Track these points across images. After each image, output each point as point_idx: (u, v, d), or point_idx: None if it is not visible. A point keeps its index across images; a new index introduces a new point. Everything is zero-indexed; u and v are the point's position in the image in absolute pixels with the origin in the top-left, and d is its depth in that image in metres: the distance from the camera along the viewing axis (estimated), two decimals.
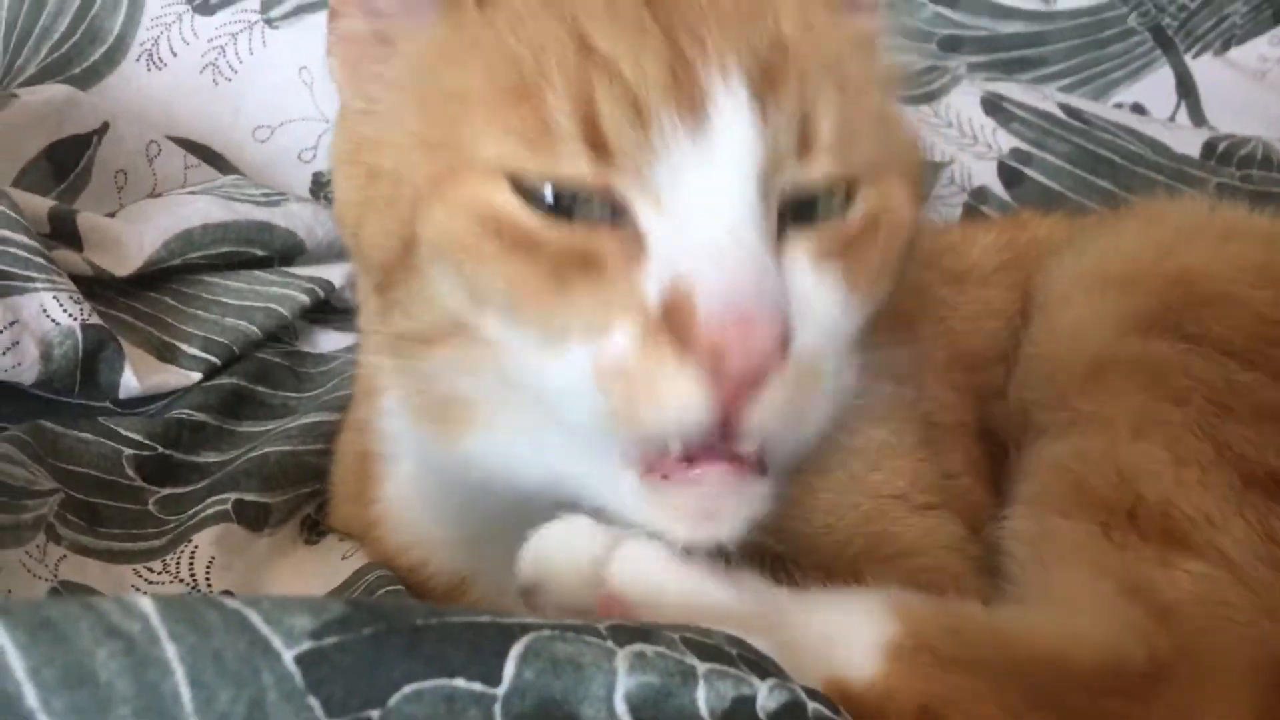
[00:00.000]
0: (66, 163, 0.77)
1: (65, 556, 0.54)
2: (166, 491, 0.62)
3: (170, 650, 0.29)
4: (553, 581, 0.42)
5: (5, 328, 0.55)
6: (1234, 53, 1.11)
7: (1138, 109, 1.10)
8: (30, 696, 0.27)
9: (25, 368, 0.56)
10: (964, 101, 0.99)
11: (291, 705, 0.29)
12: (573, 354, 0.39)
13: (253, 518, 0.61)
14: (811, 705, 0.37)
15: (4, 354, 0.55)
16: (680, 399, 0.37)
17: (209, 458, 0.65)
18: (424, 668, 0.32)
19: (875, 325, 0.44)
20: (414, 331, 0.43)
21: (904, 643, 0.40)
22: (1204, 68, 1.10)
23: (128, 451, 0.61)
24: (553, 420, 0.40)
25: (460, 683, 0.32)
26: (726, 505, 0.40)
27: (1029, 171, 0.98)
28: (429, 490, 0.53)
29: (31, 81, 0.89)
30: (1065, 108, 1.01)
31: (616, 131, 0.39)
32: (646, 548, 0.41)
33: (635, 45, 0.40)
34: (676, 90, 0.40)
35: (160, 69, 0.93)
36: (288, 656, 0.30)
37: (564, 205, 0.39)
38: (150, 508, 0.62)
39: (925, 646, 0.40)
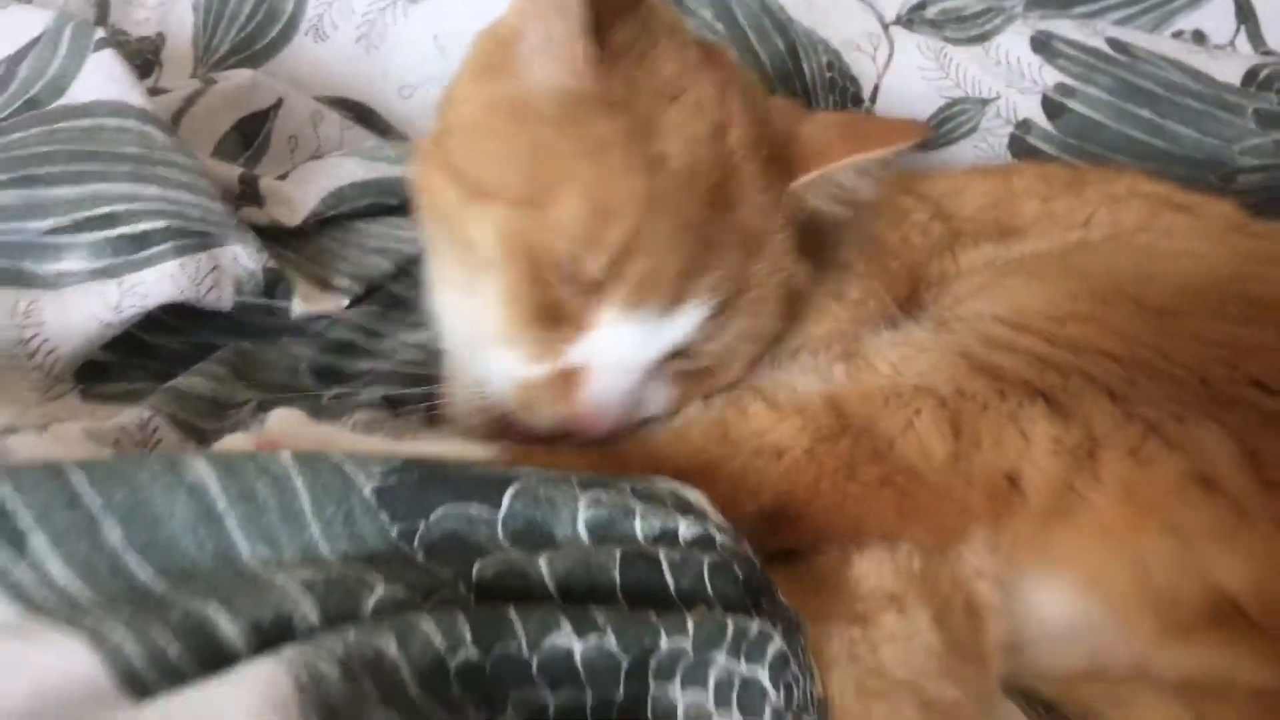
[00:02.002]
0: (251, 134, 0.99)
1: None
2: (335, 390, 0.84)
3: (300, 482, 0.49)
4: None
5: (210, 271, 0.77)
6: None
7: (1198, 35, 1.16)
8: (222, 506, 0.48)
9: (224, 299, 0.79)
10: (1013, 41, 1.09)
11: (368, 516, 0.50)
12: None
13: (394, 404, 0.83)
14: (719, 537, 0.55)
15: (210, 290, 0.77)
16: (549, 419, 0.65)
17: (361, 365, 0.86)
18: (452, 497, 0.51)
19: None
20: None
21: None
22: None
23: (303, 365, 0.83)
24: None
25: (474, 507, 0.51)
26: None
27: (1071, 104, 1.08)
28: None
29: (224, 58, 1.12)
30: (1113, 41, 1.09)
31: (632, 284, 0.62)
32: (291, 413, 0.61)
33: (676, 245, 0.62)
34: (676, 289, 0.63)
35: (324, 41, 1.14)
36: (367, 489, 0.50)
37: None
38: (324, 404, 0.84)
39: None
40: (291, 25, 1.13)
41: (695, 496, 0.56)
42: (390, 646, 0.44)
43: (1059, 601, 0.64)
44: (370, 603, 0.47)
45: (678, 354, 0.67)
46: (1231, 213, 0.82)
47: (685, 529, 0.54)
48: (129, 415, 0.64)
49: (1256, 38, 1.15)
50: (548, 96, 0.64)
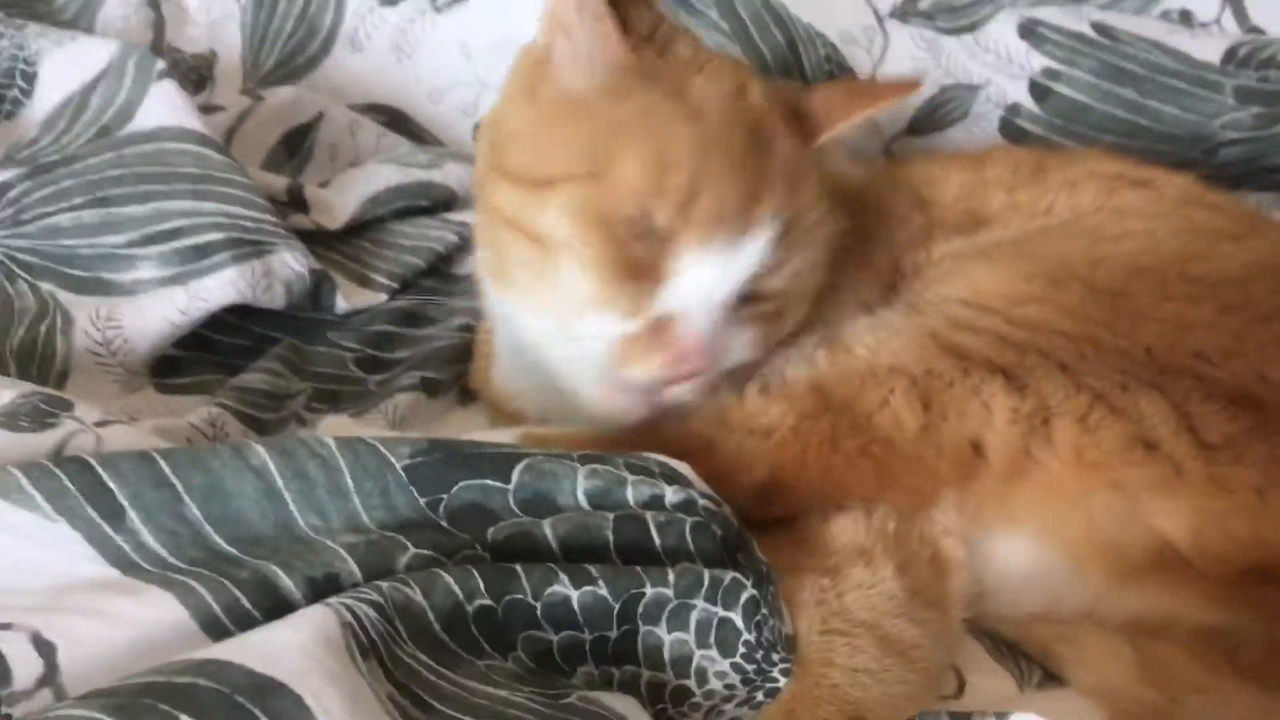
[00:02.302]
0: (295, 145, 1.09)
1: (313, 429, 0.86)
2: (378, 378, 0.94)
3: (342, 463, 0.59)
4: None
5: (263, 275, 0.87)
6: None
7: (1184, 15, 1.22)
8: (280, 484, 0.58)
9: (276, 299, 0.89)
10: (1002, 29, 1.15)
11: (401, 490, 0.59)
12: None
13: (429, 387, 0.93)
14: (701, 502, 0.64)
15: (265, 292, 0.88)
16: (652, 370, 0.71)
17: (400, 354, 0.96)
18: (470, 474, 0.61)
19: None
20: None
21: None
22: None
23: (349, 356, 0.93)
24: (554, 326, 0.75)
25: (489, 481, 0.61)
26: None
27: (1057, 87, 1.14)
28: (514, 363, 0.83)
29: (270, 72, 1.22)
30: (1097, 25, 1.15)
31: (700, 223, 0.70)
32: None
33: (735, 176, 0.71)
34: (742, 214, 0.71)
35: (360, 52, 1.23)
36: (399, 466, 0.60)
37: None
38: (371, 389, 0.94)
39: None
40: (330, 38, 1.23)
41: (682, 468, 0.65)
42: (417, 595, 0.54)
43: (1018, 554, 0.72)
44: (403, 561, 0.57)
45: (751, 298, 0.74)
46: (1188, 185, 0.89)
47: (671, 495, 0.63)
48: (198, 415, 0.74)
49: (1241, 15, 1.21)
50: (589, 86, 0.73)
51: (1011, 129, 1.15)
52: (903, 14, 1.17)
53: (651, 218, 0.70)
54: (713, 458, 0.70)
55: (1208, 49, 1.15)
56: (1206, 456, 0.68)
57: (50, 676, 0.50)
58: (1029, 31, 1.15)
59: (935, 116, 1.17)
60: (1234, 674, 0.69)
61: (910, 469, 0.71)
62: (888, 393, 0.71)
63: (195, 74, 1.21)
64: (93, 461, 0.56)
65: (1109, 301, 0.75)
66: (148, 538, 0.56)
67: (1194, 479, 0.67)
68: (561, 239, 0.71)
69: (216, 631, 0.52)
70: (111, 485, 0.56)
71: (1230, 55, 1.14)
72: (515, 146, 0.76)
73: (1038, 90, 1.15)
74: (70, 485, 0.55)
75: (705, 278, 0.71)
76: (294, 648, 0.48)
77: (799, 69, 1.16)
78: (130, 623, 0.52)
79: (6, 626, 0.51)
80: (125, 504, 0.56)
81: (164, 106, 0.91)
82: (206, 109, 1.06)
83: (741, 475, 0.70)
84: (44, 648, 0.51)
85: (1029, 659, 0.73)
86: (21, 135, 0.93)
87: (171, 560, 0.55)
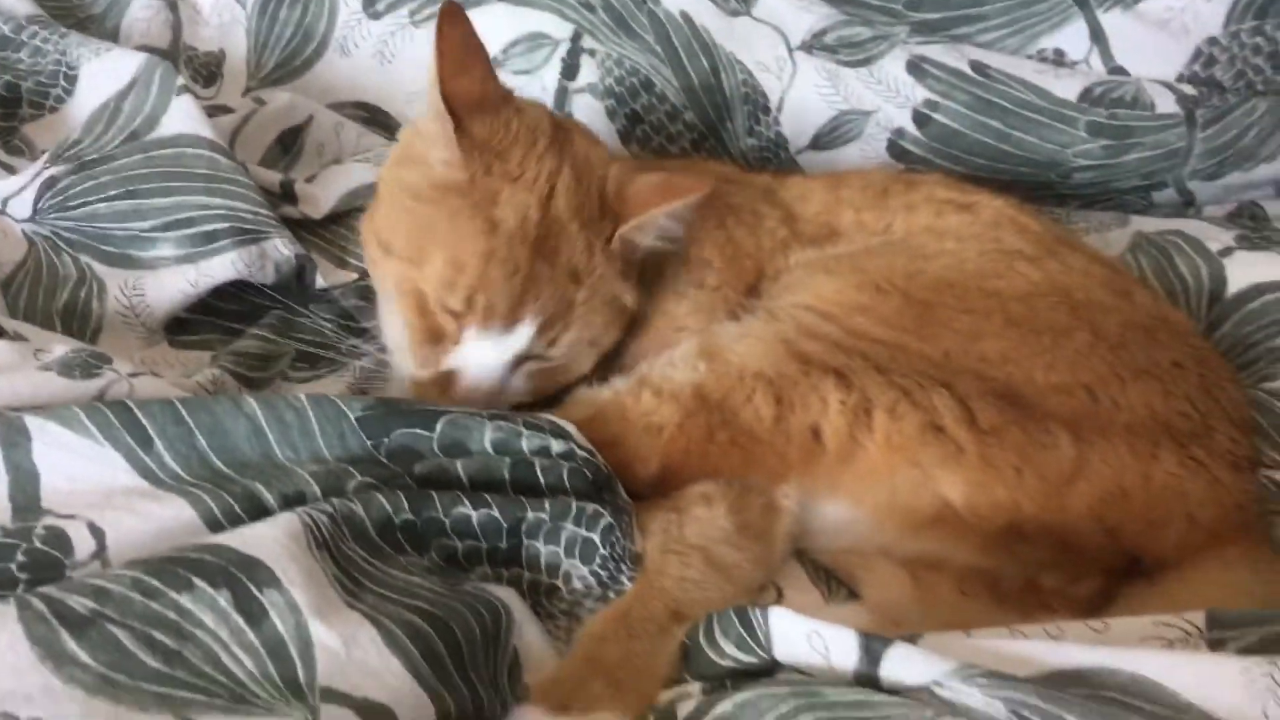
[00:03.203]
0: (289, 143, 1.30)
1: (294, 387, 1.06)
2: (349, 343, 1.14)
3: (311, 412, 0.81)
4: None
5: (258, 258, 1.08)
6: (1143, 5, 1.37)
7: (1058, 53, 1.41)
8: (265, 425, 0.80)
9: (268, 276, 1.10)
10: (892, 64, 1.34)
11: (353, 433, 0.81)
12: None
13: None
14: (579, 452, 0.86)
15: (260, 270, 1.09)
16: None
17: (369, 324, 1.17)
18: (405, 423, 0.82)
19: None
20: None
21: None
22: (1113, 19, 1.38)
23: (327, 325, 1.12)
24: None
25: (419, 430, 0.83)
26: None
27: (936, 116, 1.34)
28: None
29: (271, 72, 1.42)
30: (974, 64, 1.34)
31: (480, 313, 0.91)
32: None
33: (506, 285, 0.91)
34: (510, 313, 0.91)
35: (348, 56, 1.44)
36: (352, 416, 0.81)
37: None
38: (343, 351, 1.14)
39: None
40: (323, 44, 1.43)
41: (568, 426, 0.87)
42: (359, 509, 0.76)
43: (836, 511, 0.92)
44: (351, 485, 0.79)
45: (531, 357, 0.96)
46: (1005, 209, 1.07)
47: (556, 446, 0.85)
48: (203, 375, 0.96)
49: (1106, 55, 1.40)
50: (430, 182, 0.94)
51: (896, 149, 1.36)
52: (809, 48, 1.36)
53: (446, 302, 0.92)
54: (616, 453, 0.89)
55: (1068, 88, 1.34)
56: (980, 440, 0.86)
57: (100, 553, 0.72)
58: (915, 67, 1.35)
59: (832, 136, 1.37)
60: (991, 599, 0.91)
61: (768, 453, 0.90)
62: (750, 392, 0.90)
63: (206, 70, 1.42)
64: (130, 404, 0.79)
65: (919, 311, 0.95)
66: (169, 460, 0.78)
67: (970, 457, 0.86)
68: (391, 296, 0.96)
69: (215, 528, 0.74)
70: (144, 421, 0.78)
71: (1086, 94, 1.34)
72: (382, 208, 0.99)
73: (919, 118, 1.35)
74: (114, 420, 0.78)
75: (483, 350, 0.93)
76: (270, 538, 0.70)
77: (720, 91, 1.36)
78: (155, 519, 0.74)
79: (70, 516, 0.73)
80: (153, 435, 0.78)
81: (183, 116, 1.13)
82: (216, 110, 1.27)
83: (639, 467, 0.90)
84: (96, 533, 0.72)
85: (839, 581, 0.94)
86: (67, 135, 1.15)
87: (185, 477, 0.78)
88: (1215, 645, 0.72)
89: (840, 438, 0.89)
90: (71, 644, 0.62)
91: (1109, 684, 0.67)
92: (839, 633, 0.70)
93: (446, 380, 0.94)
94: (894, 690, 0.68)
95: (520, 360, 0.95)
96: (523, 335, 0.93)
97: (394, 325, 0.98)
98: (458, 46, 0.93)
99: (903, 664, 0.68)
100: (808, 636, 0.71)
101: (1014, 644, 0.71)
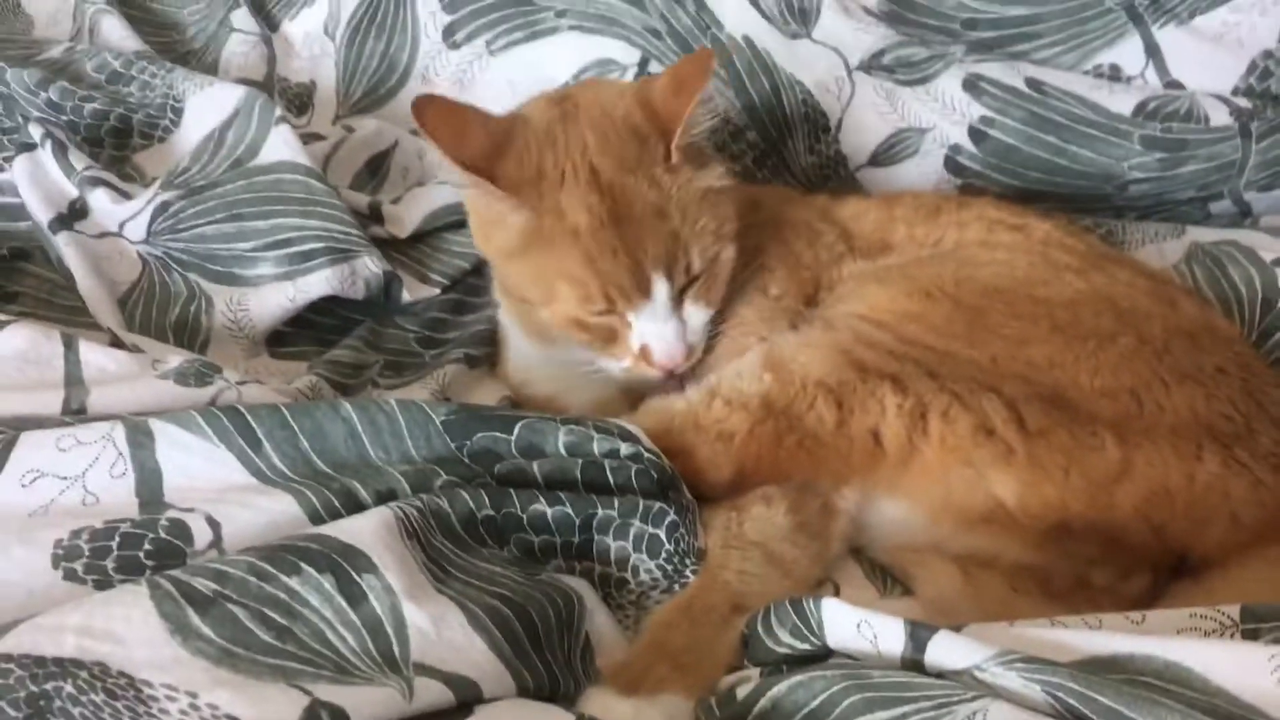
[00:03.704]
0: (376, 168, 1.39)
1: (382, 393, 1.16)
2: (432, 353, 1.23)
3: (400, 417, 0.88)
4: None
5: (350, 275, 1.17)
6: (1199, 20, 1.40)
7: (1114, 69, 1.44)
8: (360, 428, 0.88)
9: (358, 291, 1.19)
10: (949, 83, 1.38)
11: (438, 436, 0.88)
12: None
13: (470, 361, 1.21)
14: (646, 455, 0.92)
15: (351, 286, 1.18)
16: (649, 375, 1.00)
17: (450, 335, 1.25)
18: (485, 427, 0.89)
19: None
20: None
21: None
22: (1169, 34, 1.40)
23: (411, 336, 1.23)
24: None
25: (498, 434, 0.90)
26: None
27: (991, 132, 1.38)
28: (526, 356, 1.13)
29: (358, 100, 1.52)
30: (1030, 81, 1.38)
31: (620, 302, 0.99)
32: None
33: (619, 268, 0.97)
34: (639, 284, 0.98)
35: (430, 85, 1.52)
36: (438, 421, 0.89)
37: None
38: (427, 360, 1.23)
39: None
40: (406, 74, 1.52)
41: (635, 430, 0.93)
42: (445, 505, 0.83)
43: (893, 510, 0.97)
44: (438, 483, 0.86)
45: (682, 292, 1.00)
46: (1053, 230, 1.12)
47: (625, 449, 0.92)
48: (302, 382, 1.05)
49: (1162, 69, 1.43)
50: (516, 235, 1.00)
51: (953, 165, 1.40)
52: (868, 67, 1.42)
53: (595, 309, 1.00)
54: (691, 461, 0.95)
55: (1122, 103, 1.37)
56: (1029, 442, 0.90)
57: (216, 543, 0.80)
58: (971, 85, 1.39)
59: (890, 153, 1.42)
60: (1042, 596, 0.95)
61: (833, 456, 0.94)
62: (813, 399, 0.95)
63: (298, 100, 1.52)
64: (241, 409, 0.87)
65: (969, 317, 0.99)
66: (276, 460, 0.86)
67: (1020, 457, 0.90)
68: (555, 329, 1.03)
69: (317, 521, 0.82)
70: (254, 425, 0.86)
71: (1140, 108, 1.37)
72: (502, 269, 1.08)
73: (976, 134, 1.39)
74: (228, 424, 0.86)
75: (646, 322, 1.00)
76: (367, 530, 0.77)
77: (780, 109, 1.42)
78: (265, 512, 0.82)
79: (190, 510, 0.82)
80: (262, 438, 0.86)
81: (282, 145, 1.22)
82: (309, 137, 1.37)
83: (713, 473, 0.96)
84: (213, 524, 0.81)
85: (893, 578, 1.00)
86: (176, 163, 1.25)
87: (291, 475, 0.86)
88: (1249, 636, 0.76)
89: (899, 440, 0.93)
90: (196, 620, 0.69)
91: (1144, 670, 0.71)
92: (887, 621, 0.76)
93: (644, 360, 1.02)
94: (938, 674, 0.73)
95: (678, 302, 1.01)
96: (661, 288, 0.99)
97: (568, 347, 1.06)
98: (444, 123, 0.97)
99: (946, 650, 0.73)
100: (858, 625, 0.77)
101: (1054, 633, 0.75)
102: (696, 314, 1.03)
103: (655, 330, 1.00)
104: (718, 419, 0.96)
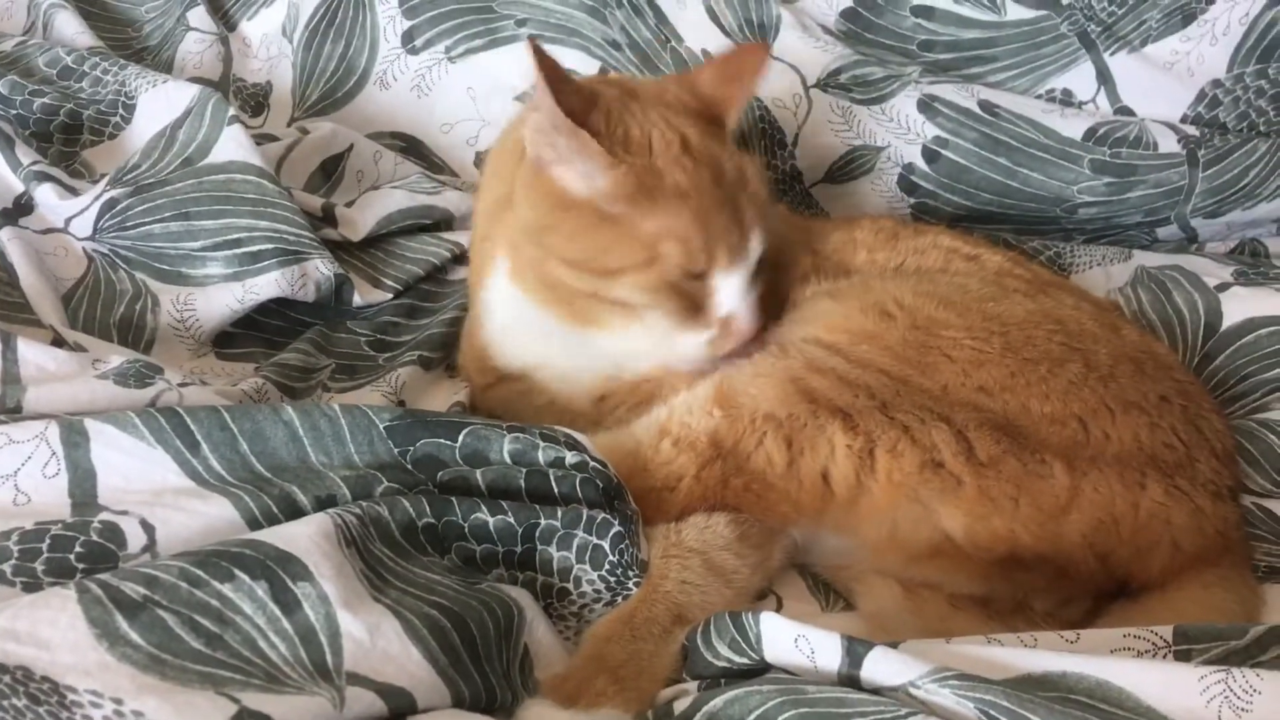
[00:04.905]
0: (330, 170, 1.38)
1: (333, 396, 1.15)
2: (386, 355, 1.22)
3: (343, 421, 0.87)
4: None
5: (300, 277, 1.16)
6: (1150, 48, 1.44)
7: (1066, 93, 1.47)
8: (301, 432, 0.87)
9: (309, 294, 1.18)
10: (905, 103, 1.40)
11: (381, 441, 0.87)
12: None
13: (425, 363, 1.20)
14: (592, 463, 0.92)
15: (300, 289, 1.17)
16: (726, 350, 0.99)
17: (404, 338, 1.25)
18: (429, 434, 0.89)
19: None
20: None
21: None
22: (1120, 61, 1.44)
23: (363, 340, 1.22)
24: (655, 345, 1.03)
25: (443, 440, 0.90)
26: None
27: (944, 152, 1.40)
28: (518, 329, 1.10)
29: (314, 105, 1.51)
30: (983, 103, 1.40)
31: (723, 257, 0.99)
32: None
33: (727, 222, 0.99)
34: (739, 239, 0.99)
35: (387, 89, 1.52)
36: (381, 426, 0.88)
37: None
38: (380, 363, 1.22)
39: None
40: (364, 78, 1.52)
41: (581, 438, 0.93)
42: (385, 512, 0.82)
43: (839, 542, 0.97)
44: (379, 490, 0.85)
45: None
46: (1004, 262, 1.14)
47: (570, 458, 0.91)
48: (248, 383, 1.03)
49: (1113, 96, 1.45)
50: (597, 195, 0.97)
51: (906, 184, 1.41)
52: (825, 85, 1.43)
53: (695, 270, 0.99)
54: (640, 496, 0.93)
55: (1073, 127, 1.39)
56: (978, 472, 0.90)
57: (150, 547, 0.79)
58: (926, 105, 1.41)
59: (846, 170, 1.43)
60: (982, 615, 0.95)
61: (781, 499, 0.93)
62: (761, 436, 0.93)
63: (254, 100, 1.51)
64: (180, 410, 0.86)
65: (922, 339, 0.98)
66: (214, 463, 0.85)
67: (969, 489, 0.90)
68: (641, 302, 1.00)
69: (254, 526, 0.81)
70: (192, 427, 0.85)
71: (1090, 133, 1.39)
72: (567, 245, 1.01)
73: (929, 154, 1.41)
74: (165, 425, 0.85)
75: (735, 286, 1.00)
76: (304, 536, 0.76)
77: (738, 126, 1.43)
78: (201, 517, 0.81)
79: (124, 512, 0.80)
80: (200, 439, 0.85)
81: (233, 145, 1.21)
82: (264, 138, 1.36)
83: (660, 517, 0.95)
84: (148, 528, 0.80)
85: (836, 593, 1.00)
86: (125, 160, 1.23)
87: (229, 478, 0.85)
88: (1181, 657, 0.77)
89: (848, 482, 0.92)
90: (124, 625, 0.68)
91: (1076, 688, 0.72)
92: (824, 636, 0.76)
93: (725, 331, 1.02)
94: (874, 690, 0.74)
95: (756, 273, 1.02)
96: (756, 247, 1.01)
97: (647, 332, 1.02)
98: (554, 68, 0.96)
99: (882, 666, 0.73)
100: (795, 639, 0.77)
101: (989, 650, 0.76)
102: (756, 290, 1.04)
103: (741, 295, 1.01)
104: (665, 461, 0.95)
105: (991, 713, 0.68)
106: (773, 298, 1.10)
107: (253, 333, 1.19)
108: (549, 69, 0.95)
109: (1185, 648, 0.77)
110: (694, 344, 1.02)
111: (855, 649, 0.75)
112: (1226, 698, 0.69)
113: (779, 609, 0.96)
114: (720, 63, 1.09)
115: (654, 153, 0.99)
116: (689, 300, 1.00)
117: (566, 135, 0.96)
